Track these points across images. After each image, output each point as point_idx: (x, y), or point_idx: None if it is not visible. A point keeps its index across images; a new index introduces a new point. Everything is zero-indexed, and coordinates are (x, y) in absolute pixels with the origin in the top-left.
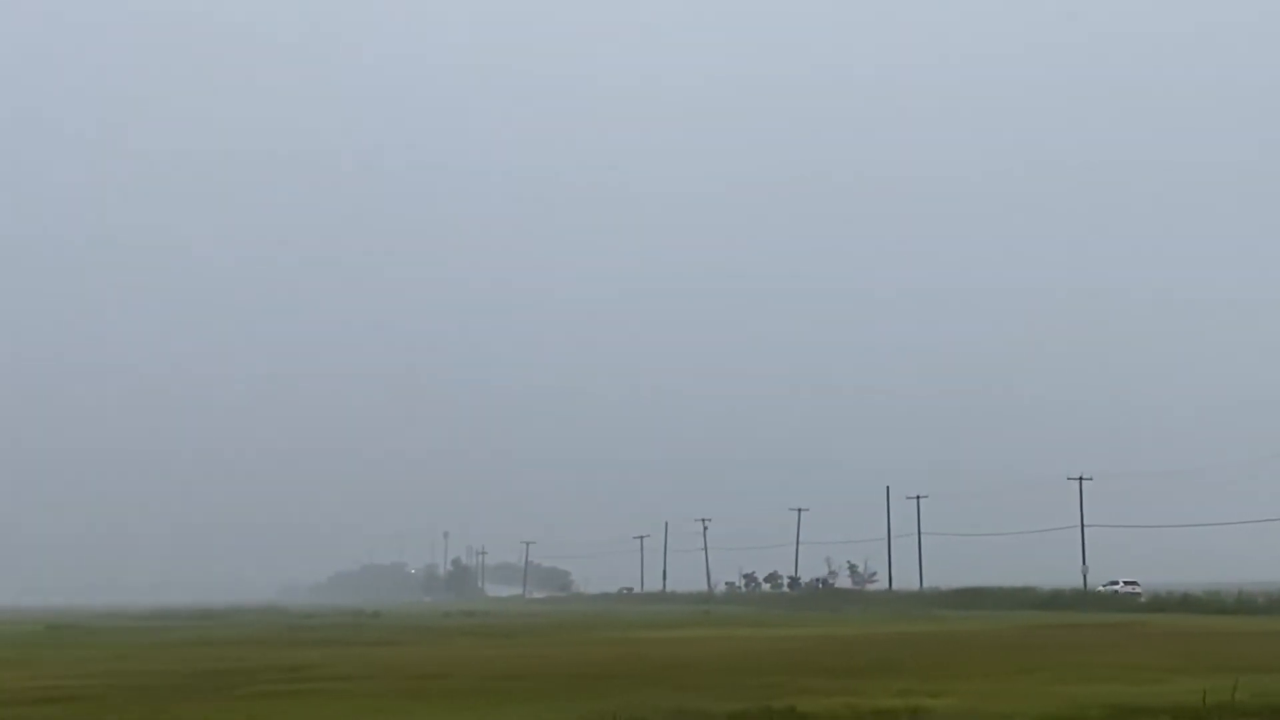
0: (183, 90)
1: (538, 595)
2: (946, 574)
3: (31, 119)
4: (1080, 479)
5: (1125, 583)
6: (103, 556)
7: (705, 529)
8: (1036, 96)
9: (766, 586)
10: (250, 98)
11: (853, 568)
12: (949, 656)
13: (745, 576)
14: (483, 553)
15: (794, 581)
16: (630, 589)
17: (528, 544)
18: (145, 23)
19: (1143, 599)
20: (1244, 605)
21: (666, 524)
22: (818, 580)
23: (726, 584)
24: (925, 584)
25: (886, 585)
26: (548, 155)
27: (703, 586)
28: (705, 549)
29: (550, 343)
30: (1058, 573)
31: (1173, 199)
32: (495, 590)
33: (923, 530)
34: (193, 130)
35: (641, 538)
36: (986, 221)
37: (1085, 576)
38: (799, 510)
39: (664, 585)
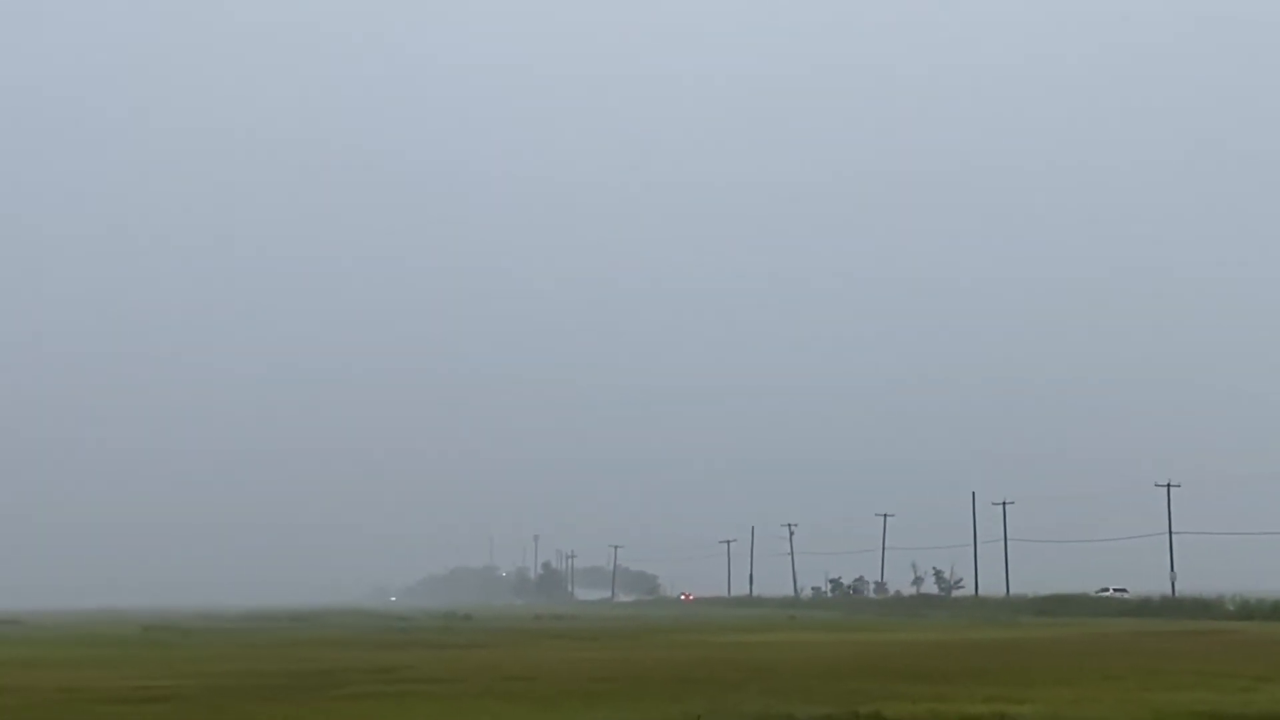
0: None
1: (624, 599)
2: (1033, 580)
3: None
4: (1168, 485)
5: (1115, 589)
6: (196, 558)
7: (791, 534)
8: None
9: (852, 592)
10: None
11: (938, 574)
12: (1035, 663)
13: (831, 581)
14: (572, 556)
15: (879, 586)
16: (687, 595)
17: (616, 548)
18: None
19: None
20: None
21: (753, 528)
22: (848, 586)
23: (813, 589)
24: (1011, 590)
25: (972, 591)
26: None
27: (789, 591)
28: (791, 553)
29: (635, 345)
30: (1146, 579)
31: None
32: (584, 594)
33: (1009, 536)
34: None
35: (728, 542)
36: (1077, 212)
37: (1174, 584)
38: (885, 516)
39: (750, 590)
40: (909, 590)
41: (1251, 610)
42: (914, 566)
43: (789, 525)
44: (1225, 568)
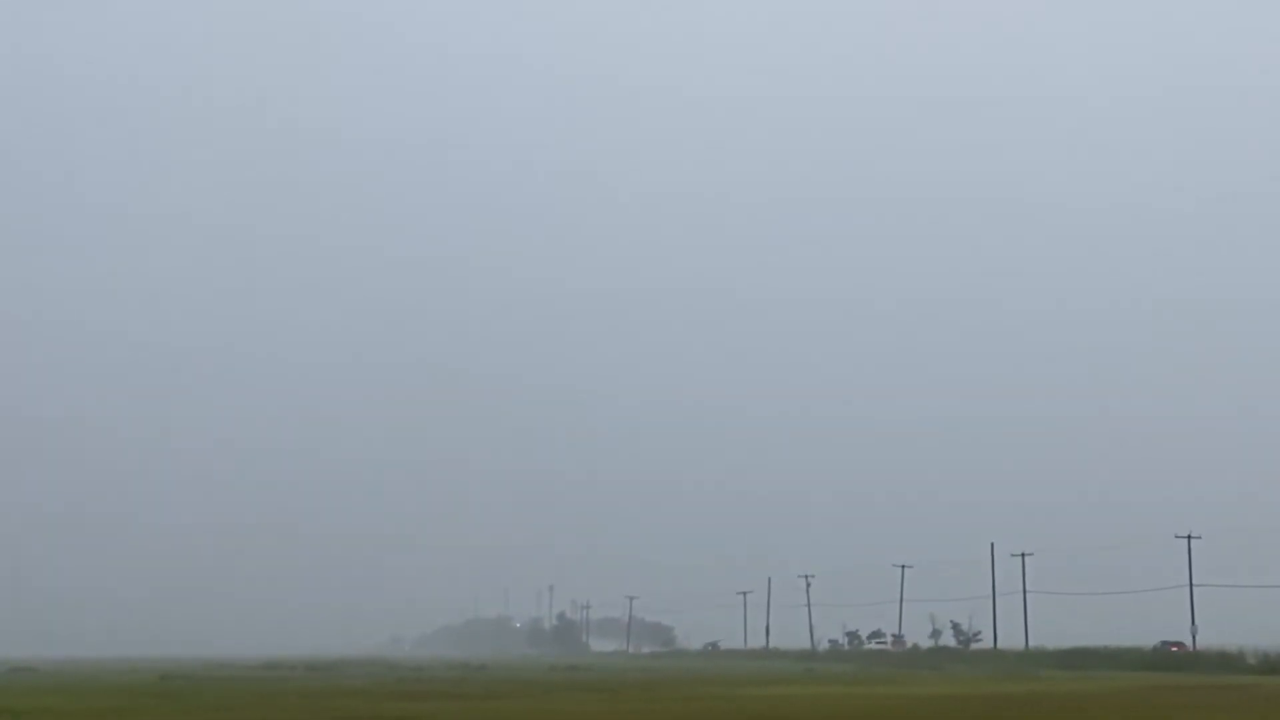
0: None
1: (635, 650)
2: (1052, 633)
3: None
4: (1188, 537)
5: (879, 641)
6: (210, 609)
7: (808, 585)
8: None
9: (870, 644)
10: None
11: (956, 626)
12: (1064, 717)
13: (848, 634)
14: (587, 607)
15: (898, 639)
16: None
17: (631, 599)
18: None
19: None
20: None
21: (769, 579)
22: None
23: (830, 641)
24: (1030, 643)
25: (991, 644)
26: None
27: (805, 643)
28: (808, 605)
29: (653, 403)
30: (1166, 633)
31: None
32: (599, 644)
33: (1028, 589)
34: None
35: (745, 593)
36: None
37: (1194, 637)
38: (903, 567)
39: (767, 642)
40: (927, 643)
41: (1273, 664)
42: (932, 619)
43: (806, 577)
44: (1246, 621)
